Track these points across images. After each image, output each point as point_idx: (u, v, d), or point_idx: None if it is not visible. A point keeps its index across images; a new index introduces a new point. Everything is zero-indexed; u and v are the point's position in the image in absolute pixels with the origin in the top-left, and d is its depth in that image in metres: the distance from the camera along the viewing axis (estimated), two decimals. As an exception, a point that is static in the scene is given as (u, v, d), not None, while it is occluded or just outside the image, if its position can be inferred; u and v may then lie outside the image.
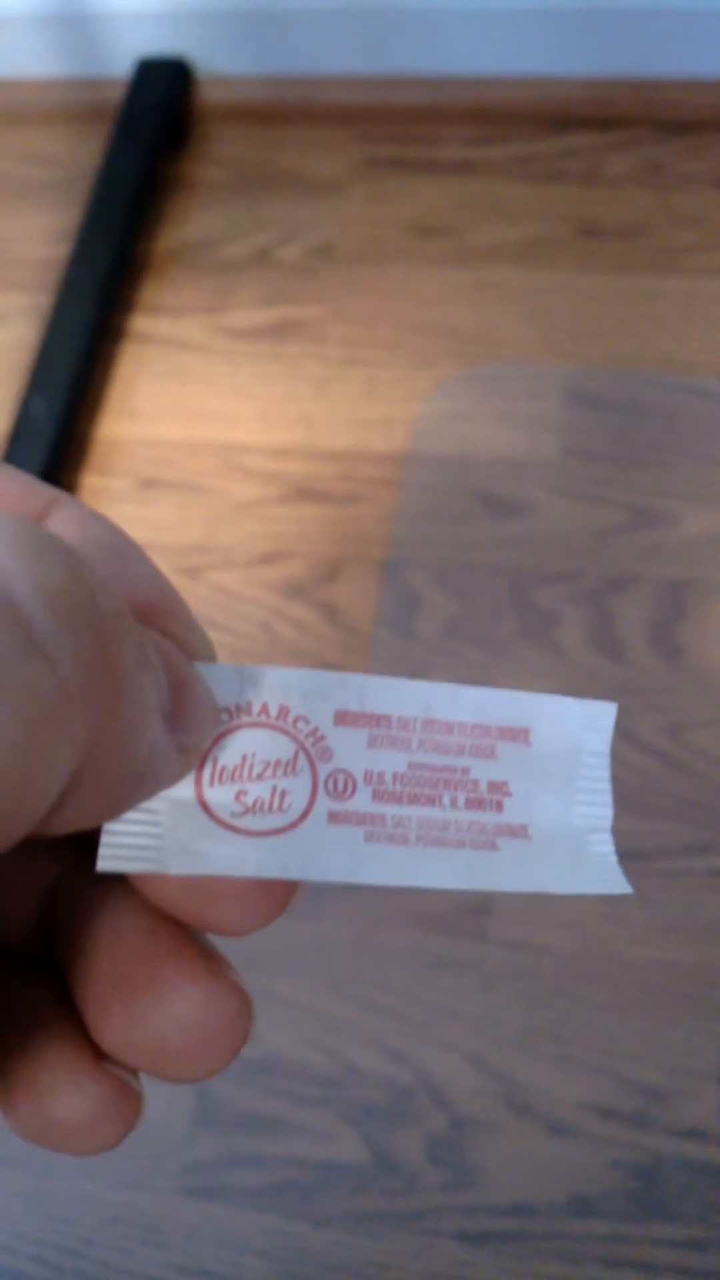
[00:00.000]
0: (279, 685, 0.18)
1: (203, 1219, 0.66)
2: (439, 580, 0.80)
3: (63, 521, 0.18)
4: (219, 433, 0.87)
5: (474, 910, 0.71)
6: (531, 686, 0.76)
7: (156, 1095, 0.68)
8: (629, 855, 0.72)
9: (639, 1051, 0.67)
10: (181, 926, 0.18)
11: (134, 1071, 0.19)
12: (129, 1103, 0.18)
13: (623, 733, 0.74)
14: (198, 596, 0.81)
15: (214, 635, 0.80)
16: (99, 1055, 0.18)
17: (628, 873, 0.71)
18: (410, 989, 0.70)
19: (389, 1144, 0.67)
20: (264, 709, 0.18)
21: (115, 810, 0.16)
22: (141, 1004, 0.18)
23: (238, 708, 0.18)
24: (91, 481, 0.86)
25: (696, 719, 0.74)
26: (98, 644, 0.14)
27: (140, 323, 0.92)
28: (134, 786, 0.16)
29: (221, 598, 0.81)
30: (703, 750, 0.73)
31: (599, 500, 0.81)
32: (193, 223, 0.96)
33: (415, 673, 0.77)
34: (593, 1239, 0.64)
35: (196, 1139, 0.68)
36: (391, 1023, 0.69)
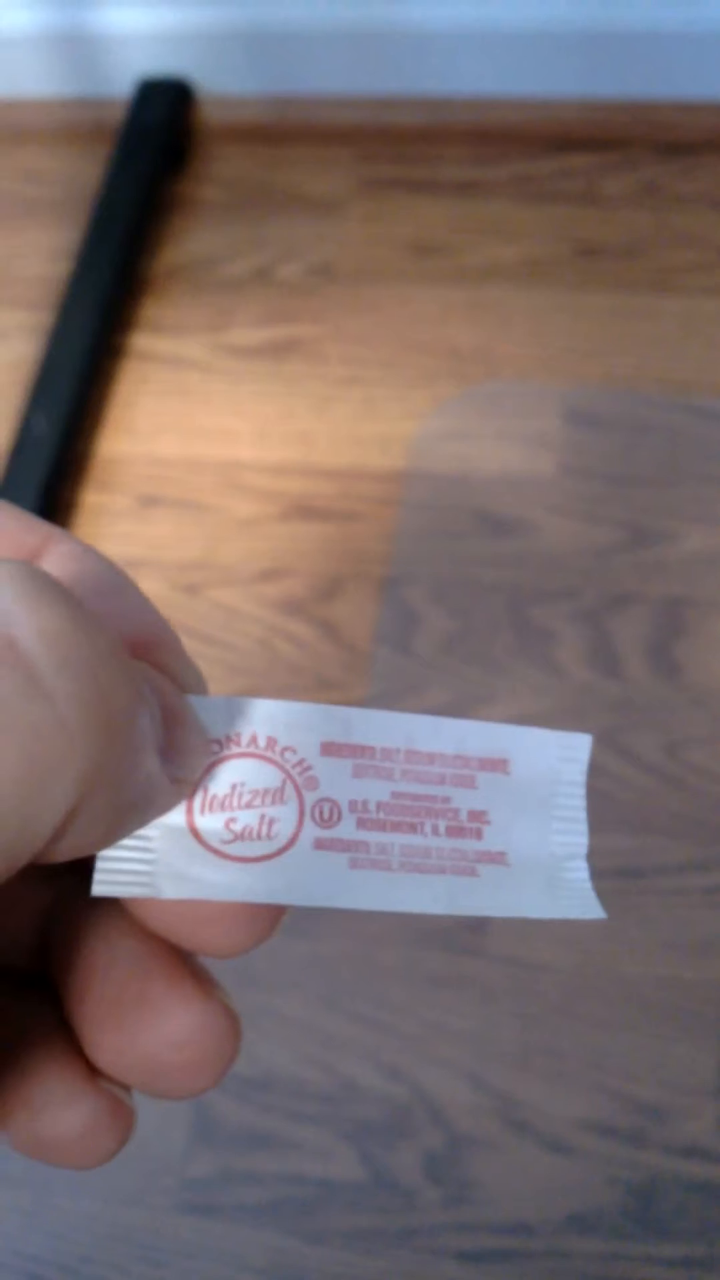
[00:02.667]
0: (267, 717, 0.18)
1: (200, 1236, 0.66)
2: (437, 598, 0.80)
3: (59, 558, 0.19)
4: (219, 450, 0.87)
5: (471, 927, 0.71)
6: (529, 704, 0.76)
7: (154, 1112, 0.68)
8: (626, 872, 0.72)
9: (637, 1068, 0.68)
10: (173, 948, 0.19)
11: (127, 1088, 0.19)
12: (122, 1118, 0.19)
13: (621, 750, 0.74)
14: (197, 613, 0.81)
15: (213, 652, 0.81)
16: (93, 1072, 0.19)
17: (625, 890, 0.71)
18: (408, 1006, 0.70)
19: (386, 1161, 0.67)
20: (253, 739, 0.18)
21: (111, 839, 0.17)
22: (134, 1023, 0.18)
23: (228, 739, 0.18)
24: (92, 499, 0.87)
25: (694, 736, 0.75)
26: (95, 684, 0.15)
27: (141, 341, 0.93)
28: (129, 816, 0.16)
29: (221, 615, 0.81)
30: (701, 767, 0.74)
31: (597, 518, 0.82)
32: (193, 241, 0.97)
33: (413, 690, 0.77)
34: (590, 1257, 0.64)
35: (194, 1156, 0.68)
36: (389, 1039, 0.69)
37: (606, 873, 0.71)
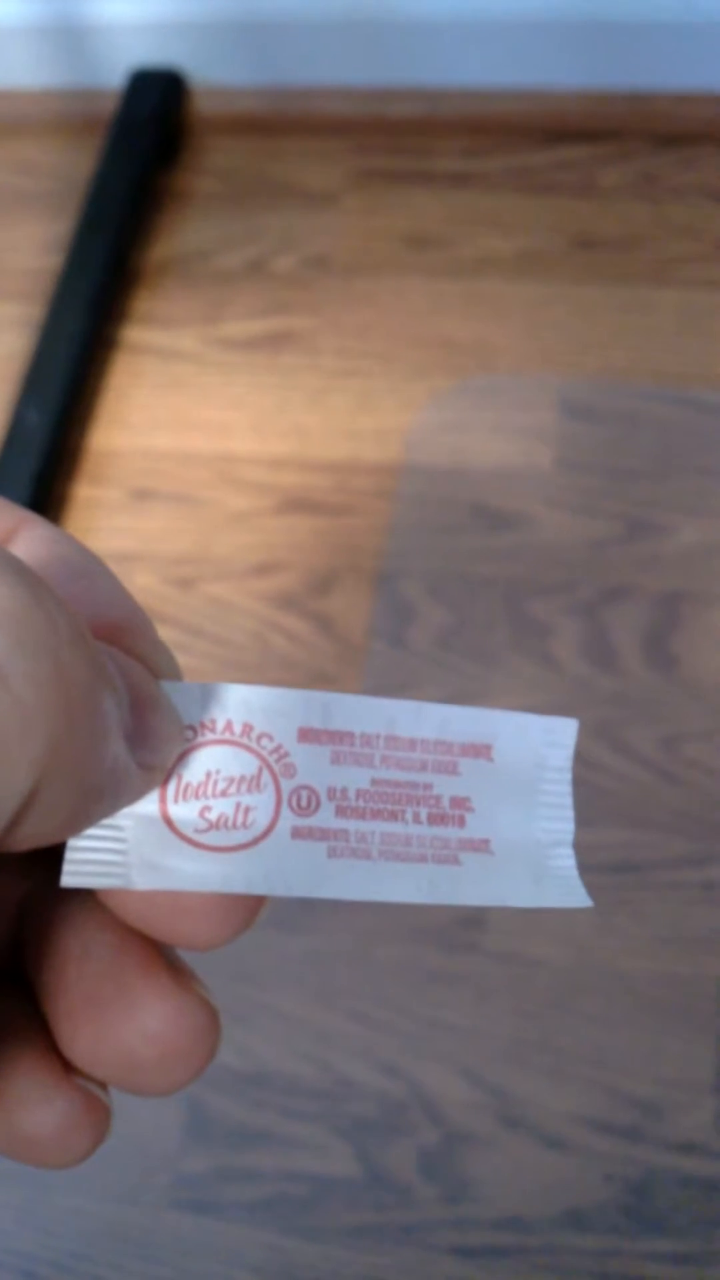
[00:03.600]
0: (243, 702, 0.18)
1: (195, 1233, 0.66)
2: (432, 592, 0.80)
3: (30, 541, 0.18)
4: (212, 443, 0.87)
5: (467, 923, 0.71)
6: (525, 698, 0.76)
7: (147, 1109, 0.68)
8: (622, 867, 0.72)
9: (632, 1064, 0.67)
10: (149, 941, 0.19)
11: (103, 1085, 0.19)
12: (98, 1116, 0.19)
13: (616, 744, 0.74)
14: (190, 607, 0.81)
15: (206, 646, 0.81)
16: (68, 1069, 0.19)
17: (621, 885, 0.71)
18: (403, 1002, 0.70)
19: (382, 1157, 0.66)
20: (228, 726, 0.18)
21: (77, 826, 0.16)
22: (110, 1017, 0.18)
23: (202, 725, 0.18)
24: (84, 492, 0.86)
25: (691, 731, 0.74)
26: (54, 664, 0.14)
27: (134, 333, 0.93)
28: (95, 802, 0.16)
29: (214, 609, 0.81)
30: (697, 762, 0.73)
31: (593, 512, 0.81)
32: (186, 233, 0.96)
33: (408, 684, 0.77)
34: (586, 1253, 0.64)
35: (188, 1152, 0.68)
36: (384, 1036, 0.69)
37: (602, 867, 0.71)
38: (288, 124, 1.00)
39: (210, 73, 0.99)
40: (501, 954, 0.70)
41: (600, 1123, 0.66)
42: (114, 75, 0.99)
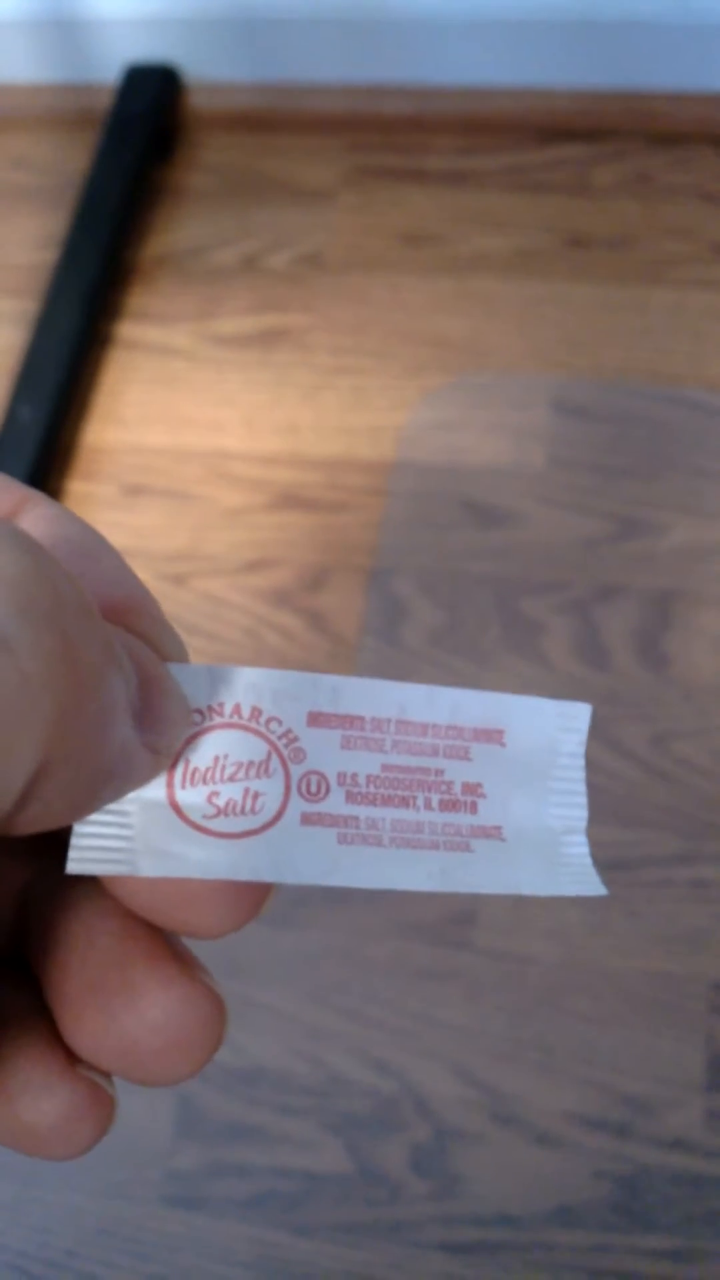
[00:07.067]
0: (251, 686, 0.18)
1: (186, 1229, 0.66)
2: (425, 589, 0.80)
3: (35, 520, 0.18)
4: (206, 440, 0.87)
5: (459, 920, 0.71)
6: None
7: (139, 1104, 0.68)
8: (613, 865, 0.71)
9: (623, 1062, 0.67)
10: (154, 929, 0.18)
11: (107, 1075, 0.19)
12: (101, 1106, 0.18)
13: (608, 742, 0.74)
14: (183, 603, 0.81)
15: (199, 642, 0.80)
16: (72, 1058, 0.18)
17: (612, 883, 0.71)
18: (395, 999, 0.70)
19: (373, 1154, 0.66)
20: (236, 710, 0.18)
21: (84, 808, 0.16)
22: (114, 1006, 0.18)
23: (210, 709, 0.18)
24: (77, 488, 0.86)
25: (681, 729, 0.74)
26: (61, 637, 0.14)
27: (128, 329, 0.92)
28: (102, 784, 0.16)
29: (207, 605, 0.81)
30: (687, 760, 0.73)
31: (586, 510, 0.81)
32: (181, 230, 0.96)
33: (400, 681, 0.77)
34: (576, 1249, 0.64)
35: (180, 1149, 0.68)
36: (376, 1032, 0.69)
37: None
38: (283, 121, 0.99)
39: (205, 69, 0.99)
40: (493, 951, 0.70)
41: (590, 1120, 0.66)
42: (109, 70, 0.99)
